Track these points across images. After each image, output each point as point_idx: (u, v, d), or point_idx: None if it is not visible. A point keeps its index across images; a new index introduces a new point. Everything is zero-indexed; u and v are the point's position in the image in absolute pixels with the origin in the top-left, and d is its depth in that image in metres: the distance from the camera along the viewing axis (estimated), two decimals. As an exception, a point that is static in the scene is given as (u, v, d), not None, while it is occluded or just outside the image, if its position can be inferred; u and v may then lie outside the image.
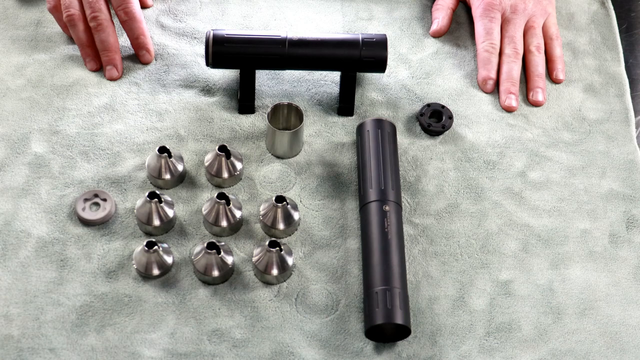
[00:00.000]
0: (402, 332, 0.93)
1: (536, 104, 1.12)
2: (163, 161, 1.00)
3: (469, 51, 1.15)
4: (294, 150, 1.05)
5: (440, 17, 1.17)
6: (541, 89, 1.12)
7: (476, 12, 1.15)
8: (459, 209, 1.03)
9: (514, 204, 1.04)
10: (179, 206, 1.01)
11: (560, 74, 1.14)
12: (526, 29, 1.15)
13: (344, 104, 1.08)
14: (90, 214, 0.98)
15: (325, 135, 1.07)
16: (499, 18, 1.14)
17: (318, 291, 0.96)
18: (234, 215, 0.98)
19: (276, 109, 1.04)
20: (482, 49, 1.13)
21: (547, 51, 1.15)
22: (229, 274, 0.96)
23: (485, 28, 1.14)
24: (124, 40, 1.12)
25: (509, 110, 1.11)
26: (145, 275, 0.95)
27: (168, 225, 0.98)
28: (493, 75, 1.12)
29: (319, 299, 0.96)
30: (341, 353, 0.93)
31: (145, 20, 1.14)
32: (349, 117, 1.09)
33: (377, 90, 1.11)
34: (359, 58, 1.04)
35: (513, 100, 1.10)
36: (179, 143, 1.05)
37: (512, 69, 1.12)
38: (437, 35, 1.17)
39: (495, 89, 1.12)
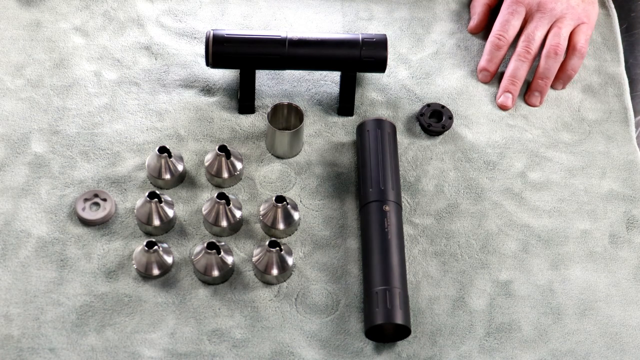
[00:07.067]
0: (402, 332, 0.93)
1: (531, 106, 1.11)
2: (163, 161, 1.00)
3: (469, 51, 1.15)
4: (294, 150, 1.05)
5: (477, 12, 1.16)
6: (540, 92, 1.10)
7: (504, 3, 1.13)
8: (459, 209, 1.03)
9: (514, 204, 1.04)
10: (179, 206, 1.01)
11: (559, 85, 1.12)
12: (550, 29, 1.11)
13: (344, 104, 1.08)
14: (90, 214, 0.98)
15: (325, 135, 1.07)
16: (522, 13, 1.12)
17: (318, 291, 0.96)
18: (234, 215, 0.98)
19: (276, 109, 1.04)
20: (490, 39, 1.12)
21: (564, 59, 1.11)
22: (229, 274, 0.96)
23: (502, 20, 1.12)
24: (124, 40, 1.12)
25: (502, 108, 1.10)
26: (145, 275, 0.95)
27: (168, 225, 0.98)
28: (491, 68, 1.11)
29: (319, 299, 0.96)
30: (341, 353, 0.93)
31: (146, 20, 1.14)
32: (349, 117, 1.08)
33: (377, 90, 1.11)
34: (359, 58, 1.04)
35: (509, 100, 1.10)
36: (179, 143, 1.05)
37: (519, 67, 1.10)
38: (474, 32, 1.16)
39: (490, 81, 1.12)
